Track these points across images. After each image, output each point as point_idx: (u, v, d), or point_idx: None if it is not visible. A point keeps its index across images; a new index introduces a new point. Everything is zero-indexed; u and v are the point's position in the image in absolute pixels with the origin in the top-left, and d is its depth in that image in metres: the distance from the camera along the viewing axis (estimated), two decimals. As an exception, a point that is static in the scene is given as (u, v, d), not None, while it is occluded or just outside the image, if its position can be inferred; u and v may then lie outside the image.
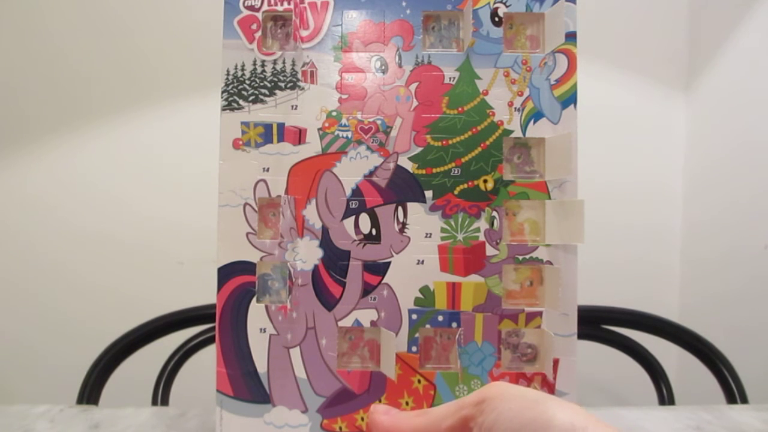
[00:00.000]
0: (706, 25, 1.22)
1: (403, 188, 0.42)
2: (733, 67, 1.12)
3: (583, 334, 0.61)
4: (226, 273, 0.42)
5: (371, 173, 0.42)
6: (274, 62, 0.43)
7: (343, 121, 0.43)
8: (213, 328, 0.46)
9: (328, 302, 0.42)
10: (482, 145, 0.43)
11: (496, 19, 0.43)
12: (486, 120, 0.43)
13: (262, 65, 0.43)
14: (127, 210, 1.25)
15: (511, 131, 0.43)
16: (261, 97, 0.43)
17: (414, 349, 0.42)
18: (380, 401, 0.42)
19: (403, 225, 0.42)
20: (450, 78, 0.43)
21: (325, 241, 0.42)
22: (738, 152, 1.09)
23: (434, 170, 0.42)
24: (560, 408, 0.24)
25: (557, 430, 0.23)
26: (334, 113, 0.43)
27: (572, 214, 0.41)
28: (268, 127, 0.43)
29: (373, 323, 0.42)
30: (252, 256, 0.42)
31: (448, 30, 0.44)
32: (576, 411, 0.24)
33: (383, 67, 0.43)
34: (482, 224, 0.42)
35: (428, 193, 0.42)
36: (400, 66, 0.43)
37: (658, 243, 1.28)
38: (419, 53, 0.43)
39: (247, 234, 0.42)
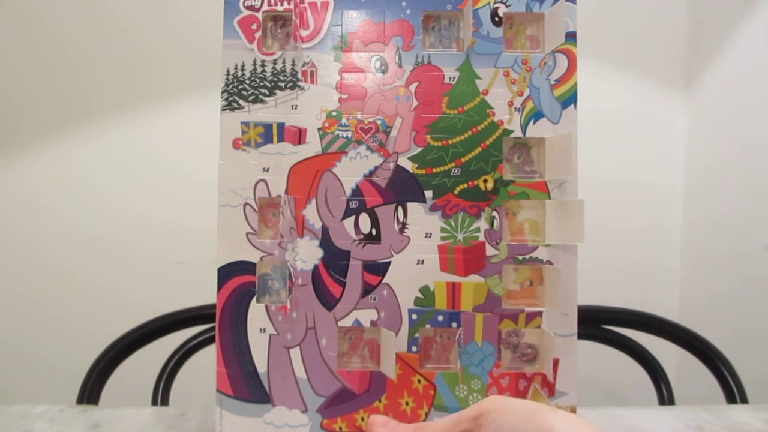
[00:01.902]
0: (706, 25, 1.22)
1: (403, 188, 0.42)
2: (733, 67, 1.12)
3: (583, 334, 0.61)
4: (226, 273, 0.42)
5: (371, 173, 0.42)
6: (274, 62, 0.43)
7: (343, 121, 0.43)
8: (213, 328, 0.46)
9: (328, 302, 0.42)
10: (482, 145, 0.43)
11: (496, 19, 0.43)
12: (486, 120, 0.43)
13: (262, 65, 0.43)
14: (126, 210, 1.25)
15: (511, 131, 0.43)
16: (261, 97, 0.43)
17: (414, 349, 0.42)
18: (380, 401, 0.42)
19: (403, 225, 0.42)
20: (450, 78, 0.43)
21: (325, 241, 0.42)
22: (738, 152, 1.09)
23: (434, 170, 0.42)
24: (559, 417, 0.24)
25: None
26: (334, 113, 0.43)
27: (572, 214, 0.41)
28: (268, 127, 0.43)
29: (373, 323, 0.42)
30: (252, 256, 0.42)
31: (448, 30, 0.44)
32: (574, 420, 0.24)
33: (383, 67, 0.43)
34: (482, 224, 0.42)
35: (428, 193, 0.42)
36: (400, 66, 0.43)
37: (658, 243, 1.28)
38: (419, 53, 0.43)
39: (247, 234, 0.42)
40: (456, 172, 0.42)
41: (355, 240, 0.42)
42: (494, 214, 0.42)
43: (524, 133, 0.43)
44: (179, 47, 1.25)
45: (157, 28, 1.26)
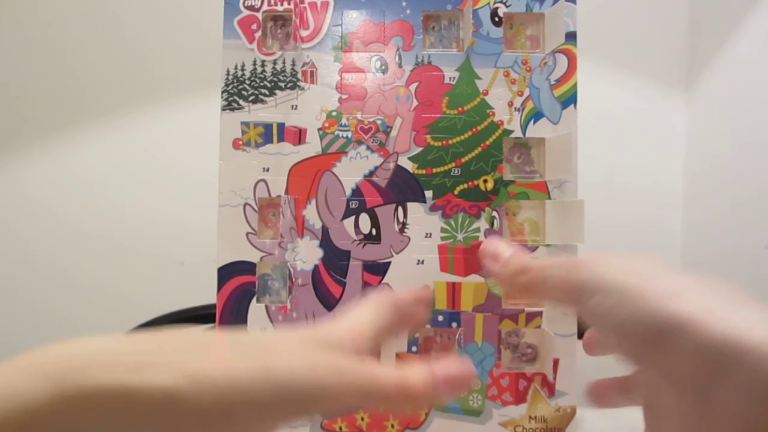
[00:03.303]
0: (706, 25, 1.22)
1: (403, 188, 0.42)
2: (734, 68, 1.12)
3: (583, 334, 0.61)
4: (226, 273, 0.42)
5: (371, 173, 0.42)
6: (274, 62, 0.43)
7: (343, 121, 0.43)
8: (213, 328, 0.46)
9: (328, 302, 0.42)
10: (482, 145, 0.43)
11: (496, 19, 0.43)
12: (486, 120, 0.43)
13: (262, 65, 0.43)
14: (126, 210, 1.25)
15: (511, 131, 0.43)
16: (261, 97, 0.43)
17: (414, 349, 0.42)
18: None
19: (403, 225, 0.42)
20: (450, 78, 0.43)
21: (325, 241, 0.42)
22: (738, 153, 1.09)
23: (434, 170, 0.42)
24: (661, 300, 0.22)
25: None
26: (334, 113, 0.43)
27: (572, 214, 0.41)
28: (268, 127, 0.43)
29: (373, 323, 0.42)
30: (252, 256, 0.42)
31: (448, 30, 0.44)
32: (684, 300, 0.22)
33: (383, 67, 0.43)
34: (482, 224, 0.42)
35: (428, 193, 0.42)
36: (400, 66, 0.43)
37: (658, 244, 1.28)
38: (419, 53, 0.43)
39: (247, 234, 0.42)
40: (456, 172, 0.42)
41: (355, 240, 0.42)
42: (494, 214, 0.42)
43: (524, 133, 0.43)
44: (179, 47, 1.25)
45: (157, 28, 1.26)
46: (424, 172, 0.42)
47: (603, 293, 0.24)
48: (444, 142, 0.43)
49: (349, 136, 0.42)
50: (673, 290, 0.22)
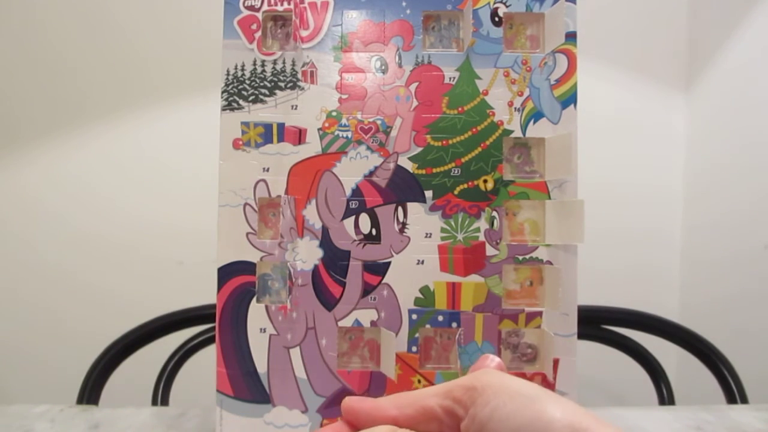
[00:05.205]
0: (706, 25, 1.22)
1: (403, 188, 0.42)
2: (734, 68, 1.12)
3: (583, 334, 0.61)
4: (226, 273, 0.42)
5: (371, 173, 0.42)
6: (274, 62, 0.43)
7: (343, 121, 0.43)
8: (213, 328, 0.46)
9: (328, 302, 0.42)
10: (482, 145, 0.43)
11: (496, 19, 0.43)
12: (486, 120, 0.43)
13: (262, 65, 0.43)
14: (126, 211, 1.25)
15: (511, 131, 0.43)
16: (261, 97, 0.43)
17: (414, 349, 0.42)
18: (380, 401, 0.42)
19: (403, 225, 0.42)
20: (450, 78, 0.43)
21: (325, 241, 0.42)
22: (738, 153, 1.09)
23: (434, 170, 0.42)
24: (559, 407, 0.24)
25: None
26: (334, 113, 0.43)
27: (572, 214, 0.41)
28: (268, 127, 0.43)
29: (373, 323, 0.42)
30: (252, 256, 0.42)
31: (448, 30, 0.44)
32: (575, 410, 0.24)
33: (383, 67, 0.43)
34: (482, 224, 0.42)
35: (428, 193, 0.42)
36: (400, 66, 0.43)
37: (658, 244, 1.28)
38: (419, 53, 0.43)
39: (247, 234, 0.42)
40: (456, 172, 0.42)
41: (355, 240, 0.42)
42: (494, 214, 0.42)
43: (524, 133, 0.43)
44: (179, 47, 1.25)
45: (157, 29, 1.26)
46: (424, 172, 0.42)
47: (504, 397, 0.24)
48: (444, 142, 0.43)
49: (349, 136, 0.42)
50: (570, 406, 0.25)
